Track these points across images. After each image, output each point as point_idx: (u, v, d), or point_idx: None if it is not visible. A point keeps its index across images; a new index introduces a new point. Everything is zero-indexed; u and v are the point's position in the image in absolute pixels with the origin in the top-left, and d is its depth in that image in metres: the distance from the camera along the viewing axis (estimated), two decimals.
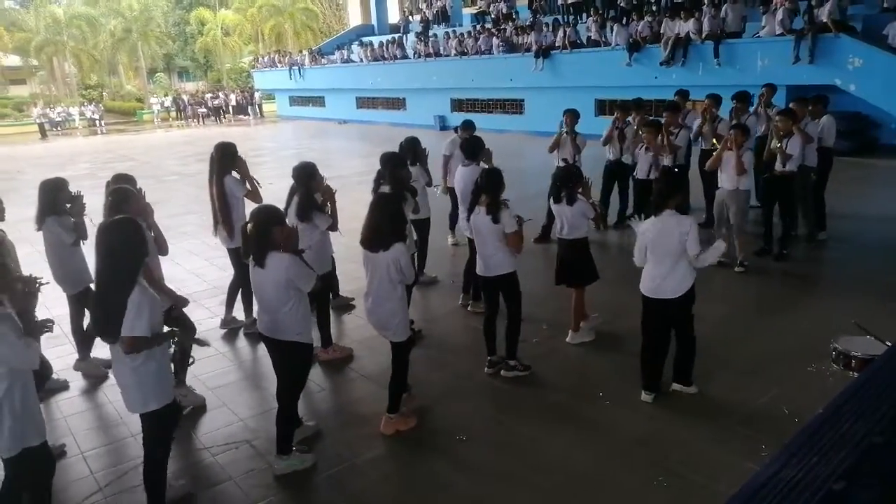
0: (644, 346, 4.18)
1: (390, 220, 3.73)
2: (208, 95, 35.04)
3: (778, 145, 6.44)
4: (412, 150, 5.99)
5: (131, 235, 2.94)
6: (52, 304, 5.11)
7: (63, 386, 4.71)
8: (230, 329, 5.63)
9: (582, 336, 5.01)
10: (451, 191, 6.93)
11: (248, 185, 5.28)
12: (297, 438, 3.69)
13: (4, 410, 2.68)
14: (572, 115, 7.47)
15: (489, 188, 4.33)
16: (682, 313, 4.04)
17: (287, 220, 4.81)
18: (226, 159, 5.21)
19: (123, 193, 4.03)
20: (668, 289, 3.92)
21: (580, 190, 4.78)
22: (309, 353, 3.65)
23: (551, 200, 5.03)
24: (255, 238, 3.31)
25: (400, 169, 5.08)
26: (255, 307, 3.85)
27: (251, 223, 3.34)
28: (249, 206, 3.75)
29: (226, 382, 4.69)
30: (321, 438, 3.95)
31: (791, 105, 6.93)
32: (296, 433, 3.68)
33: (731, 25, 14.04)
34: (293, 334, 3.45)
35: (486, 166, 5.68)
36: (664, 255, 3.90)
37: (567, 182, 4.82)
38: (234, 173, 5.26)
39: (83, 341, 4.82)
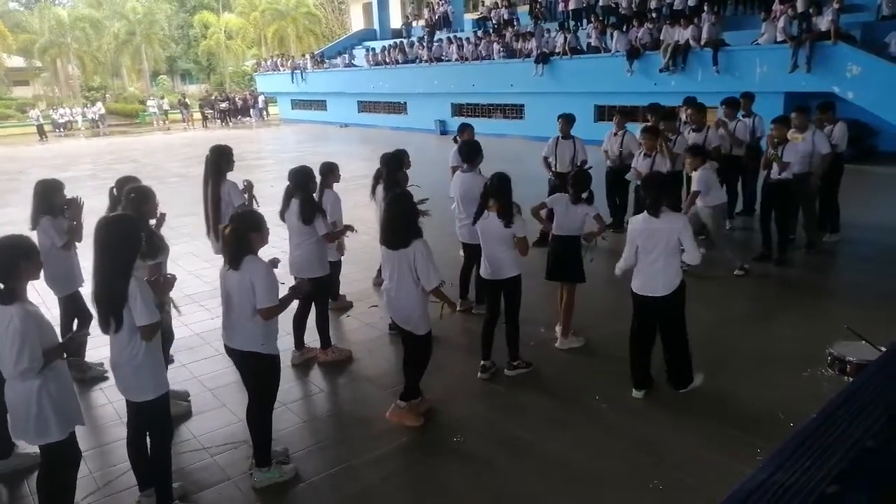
0: (631, 343, 4.24)
1: (405, 218, 3.81)
2: (212, 98, 34.95)
3: (773, 153, 6.49)
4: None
5: (129, 231, 3.03)
6: (52, 304, 5.13)
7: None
8: None
9: (570, 342, 5.03)
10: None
11: (246, 198, 5.16)
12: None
13: (44, 401, 2.80)
14: (566, 120, 7.45)
15: (499, 193, 4.34)
16: (674, 312, 4.11)
17: (286, 223, 4.86)
18: (222, 162, 5.18)
19: (144, 193, 4.03)
20: (660, 286, 4.01)
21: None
22: (274, 363, 3.51)
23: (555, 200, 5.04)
24: (233, 241, 3.30)
25: (397, 171, 5.17)
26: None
27: (230, 227, 3.34)
28: None
29: (225, 383, 4.70)
30: (320, 440, 3.97)
31: (793, 114, 6.93)
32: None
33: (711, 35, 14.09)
34: (257, 344, 3.36)
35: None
36: (657, 253, 3.98)
37: (582, 184, 4.84)
38: (238, 182, 5.22)
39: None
